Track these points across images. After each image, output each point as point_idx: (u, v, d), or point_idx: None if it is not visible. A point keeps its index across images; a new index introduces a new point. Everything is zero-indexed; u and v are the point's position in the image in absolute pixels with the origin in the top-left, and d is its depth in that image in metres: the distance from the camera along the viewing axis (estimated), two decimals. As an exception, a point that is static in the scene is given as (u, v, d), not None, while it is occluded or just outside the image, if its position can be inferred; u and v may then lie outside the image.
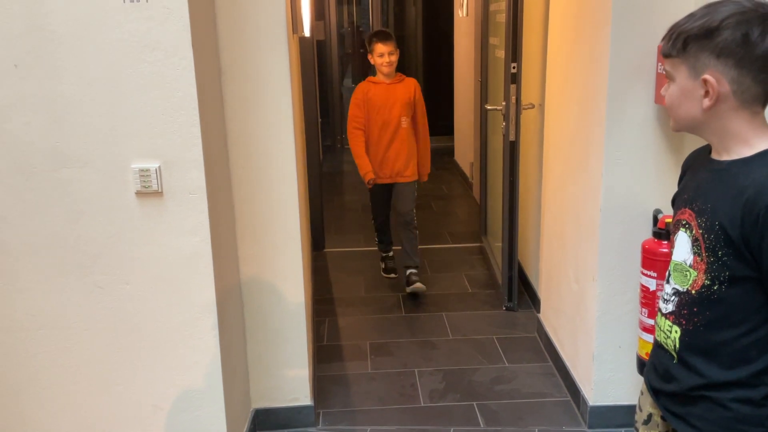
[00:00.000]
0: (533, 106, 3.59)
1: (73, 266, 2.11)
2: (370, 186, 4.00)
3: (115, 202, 2.07)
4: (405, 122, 3.89)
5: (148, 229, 2.09)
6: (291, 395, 2.71)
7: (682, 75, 1.26)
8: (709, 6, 1.23)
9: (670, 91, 1.30)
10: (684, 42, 1.23)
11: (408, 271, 4.05)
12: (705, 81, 1.22)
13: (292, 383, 2.69)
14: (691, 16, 1.24)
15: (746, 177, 1.21)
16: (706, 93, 1.23)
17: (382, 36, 3.81)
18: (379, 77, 3.91)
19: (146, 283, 2.13)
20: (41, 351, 2.18)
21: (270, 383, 2.68)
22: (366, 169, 3.91)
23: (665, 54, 1.29)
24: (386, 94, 3.86)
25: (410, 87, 3.94)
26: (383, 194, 4.08)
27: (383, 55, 3.79)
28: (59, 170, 2.04)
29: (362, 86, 3.95)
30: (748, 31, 1.17)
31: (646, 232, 2.40)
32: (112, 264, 2.11)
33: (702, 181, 1.32)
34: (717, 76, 1.21)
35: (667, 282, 1.38)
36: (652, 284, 2.25)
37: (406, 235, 4.05)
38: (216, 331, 2.18)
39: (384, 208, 4.13)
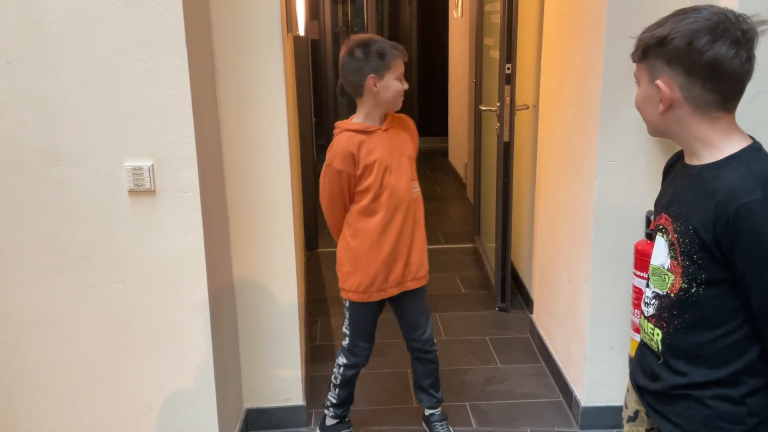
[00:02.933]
0: (527, 107, 3.60)
1: (66, 264, 2.10)
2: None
3: (107, 201, 2.06)
4: (417, 190, 2.40)
5: (140, 228, 2.08)
6: (283, 395, 2.70)
7: (644, 80, 1.32)
8: (670, 14, 1.28)
9: (637, 95, 1.36)
10: (644, 49, 1.29)
11: (428, 413, 2.67)
12: (657, 86, 1.27)
13: (284, 383, 2.69)
14: (654, 24, 1.29)
15: (717, 181, 1.24)
16: (661, 98, 1.28)
17: (399, 49, 2.28)
18: (373, 119, 2.31)
19: (139, 281, 2.12)
20: (33, 349, 2.17)
21: (262, 383, 2.67)
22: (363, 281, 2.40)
23: (632, 60, 1.35)
24: (389, 147, 2.31)
25: (410, 128, 2.43)
26: (375, 317, 2.51)
27: (402, 80, 2.29)
28: (52, 168, 2.03)
29: (346, 140, 2.27)
30: (694, 39, 1.21)
31: (639, 234, 2.41)
32: (104, 262, 2.10)
33: (678, 187, 1.36)
34: (668, 82, 1.26)
35: (647, 286, 1.42)
36: (644, 285, 2.26)
37: (424, 368, 2.61)
38: (208, 331, 2.17)
39: (371, 340, 2.54)
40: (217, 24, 2.32)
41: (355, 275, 2.38)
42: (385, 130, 2.32)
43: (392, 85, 2.25)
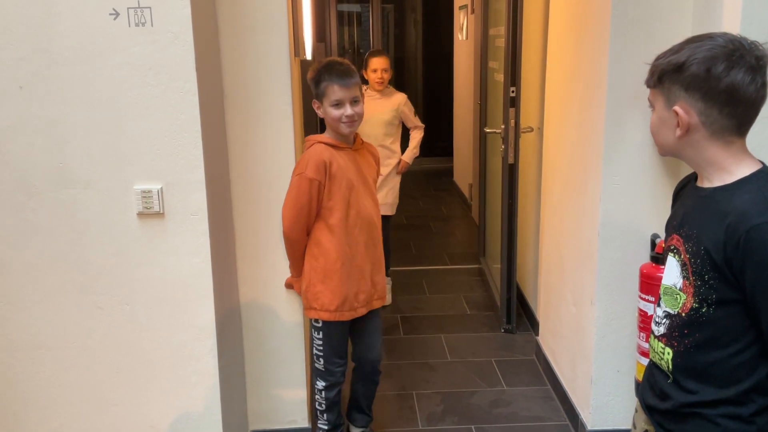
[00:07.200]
0: (532, 130, 3.62)
1: (74, 286, 2.12)
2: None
3: (116, 223, 2.08)
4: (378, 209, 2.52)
5: (149, 250, 2.10)
6: (289, 417, 2.70)
7: (659, 105, 1.34)
8: (685, 41, 1.30)
9: (652, 119, 1.39)
10: (659, 75, 1.31)
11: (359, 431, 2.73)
12: (675, 112, 1.30)
13: (289, 405, 2.69)
14: (669, 50, 1.32)
15: (728, 203, 1.27)
16: (678, 123, 1.30)
17: (341, 75, 2.30)
18: (338, 139, 2.36)
19: (146, 304, 2.14)
20: (40, 370, 2.18)
21: (268, 405, 2.67)
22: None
23: (647, 85, 1.37)
24: (356, 167, 2.38)
25: (375, 155, 2.55)
26: (347, 334, 2.51)
27: (343, 105, 2.29)
28: (62, 191, 2.05)
29: (320, 150, 2.30)
30: (711, 66, 1.23)
31: (644, 256, 2.42)
32: (112, 284, 2.12)
33: (689, 208, 1.38)
34: (686, 108, 1.28)
35: (658, 305, 1.44)
36: (650, 308, 2.26)
37: (368, 389, 2.67)
38: (215, 353, 2.18)
39: (345, 356, 2.53)
40: (226, 49, 2.35)
41: (326, 294, 2.38)
42: (355, 150, 2.40)
43: (329, 111, 2.30)
